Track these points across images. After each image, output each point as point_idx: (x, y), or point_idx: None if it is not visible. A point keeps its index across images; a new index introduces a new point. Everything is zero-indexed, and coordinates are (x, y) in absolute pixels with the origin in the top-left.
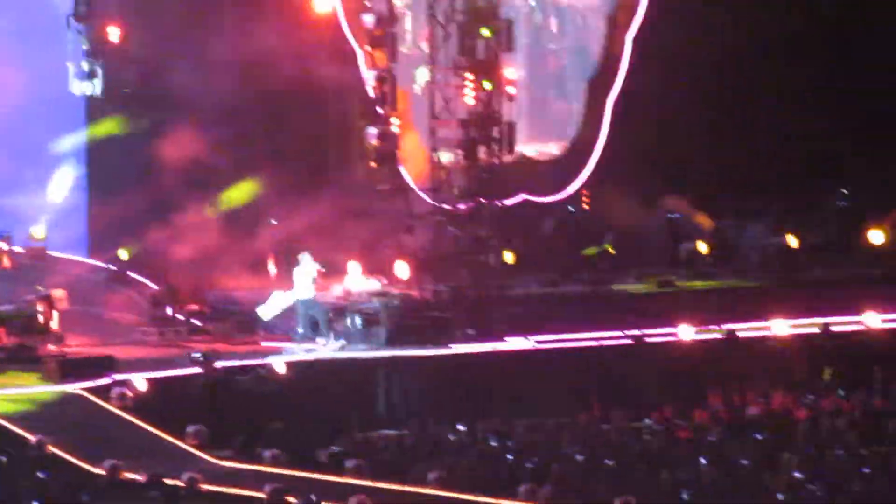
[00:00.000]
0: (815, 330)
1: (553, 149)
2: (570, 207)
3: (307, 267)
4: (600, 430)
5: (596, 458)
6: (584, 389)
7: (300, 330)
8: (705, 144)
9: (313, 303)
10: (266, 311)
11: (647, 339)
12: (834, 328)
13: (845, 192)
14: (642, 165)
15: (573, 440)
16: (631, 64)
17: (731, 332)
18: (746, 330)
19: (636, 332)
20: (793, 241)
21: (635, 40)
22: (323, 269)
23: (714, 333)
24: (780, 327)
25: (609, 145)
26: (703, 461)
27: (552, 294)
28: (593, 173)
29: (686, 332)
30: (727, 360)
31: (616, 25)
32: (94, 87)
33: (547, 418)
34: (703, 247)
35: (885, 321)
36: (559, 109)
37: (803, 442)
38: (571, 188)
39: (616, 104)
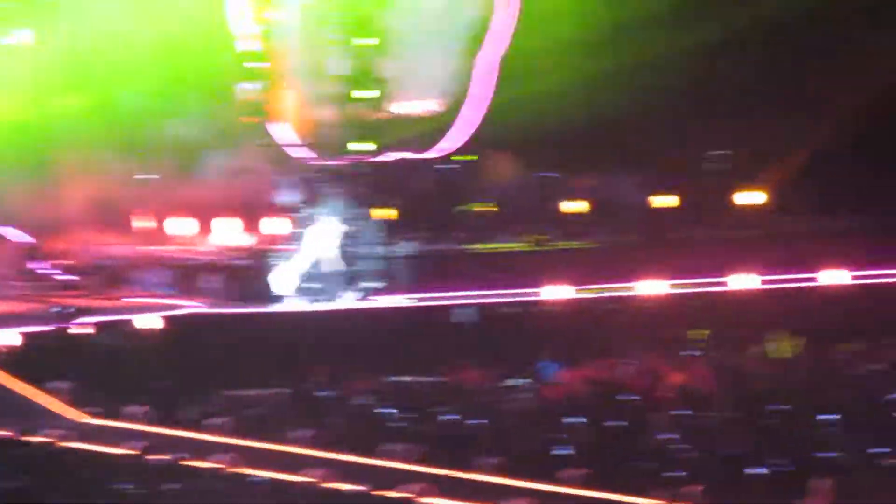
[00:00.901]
0: (687, 290)
1: (431, 106)
2: (446, 165)
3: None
4: (472, 388)
5: (467, 416)
6: (458, 348)
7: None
8: (573, 105)
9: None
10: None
11: (523, 299)
12: (707, 289)
13: (719, 154)
14: (520, 124)
15: (444, 399)
16: (508, 23)
17: (605, 291)
18: (619, 290)
19: (511, 290)
20: (667, 201)
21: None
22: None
23: (588, 293)
24: (655, 287)
25: (486, 103)
26: (573, 420)
27: (429, 252)
28: (471, 131)
29: (561, 292)
30: (602, 320)
31: None
32: None
33: (419, 377)
34: (578, 206)
35: (756, 282)
36: (437, 67)
37: (673, 402)
38: (448, 146)
39: (493, 62)
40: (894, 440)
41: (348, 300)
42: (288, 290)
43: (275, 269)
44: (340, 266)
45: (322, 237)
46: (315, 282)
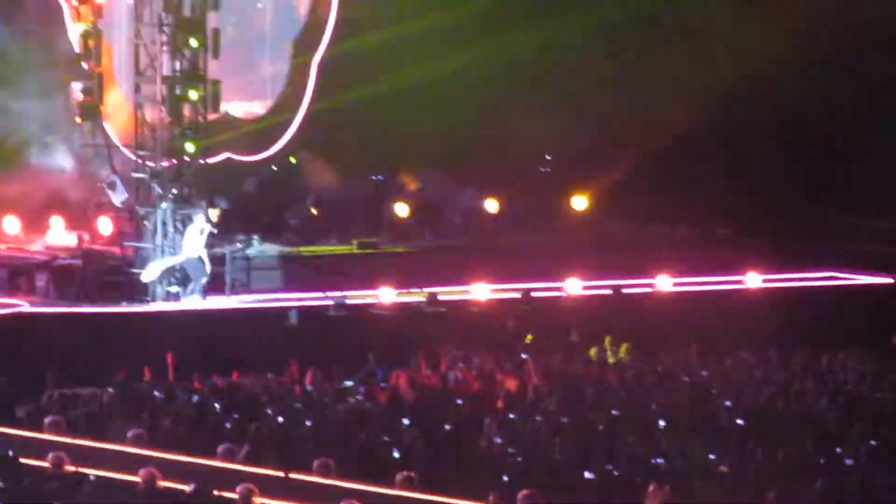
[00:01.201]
0: (517, 295)
1: (258, 108)
2: (273, 167)
3: (199, 224)
4: (301, 390)
5: (296, 418)
6: (286, 349)
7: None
8: (412, 109)
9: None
10: (149, 274)
11: (351, 302)
12: (535, 294)
13: (549, 157)
14: (348, 127)
15: (274, 400)
16: (337, 26)
17: (434, 295)
18: (448, 293)
19: (339, 293)
20: (495, 205)
21: (341, 2)
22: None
23: (416, 296)
24: (482, 291)
25: (314, 107)
26: (404, 423)
27: (254, 254)
28: (298, 134)
29: (388, 295)
30: (430, 324)
31: None
32: None
33: (250, 377)
34: (407, 208)
35: (585, 287)
36: (265, 69)
37: (505, 407)
38: (275, 148)
39: (321, 66)
40: (727, 446)
41: (178, 301)
42: (118, 289)
43: (103, 269)
44: (169, 266)
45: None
46: (145, 281)
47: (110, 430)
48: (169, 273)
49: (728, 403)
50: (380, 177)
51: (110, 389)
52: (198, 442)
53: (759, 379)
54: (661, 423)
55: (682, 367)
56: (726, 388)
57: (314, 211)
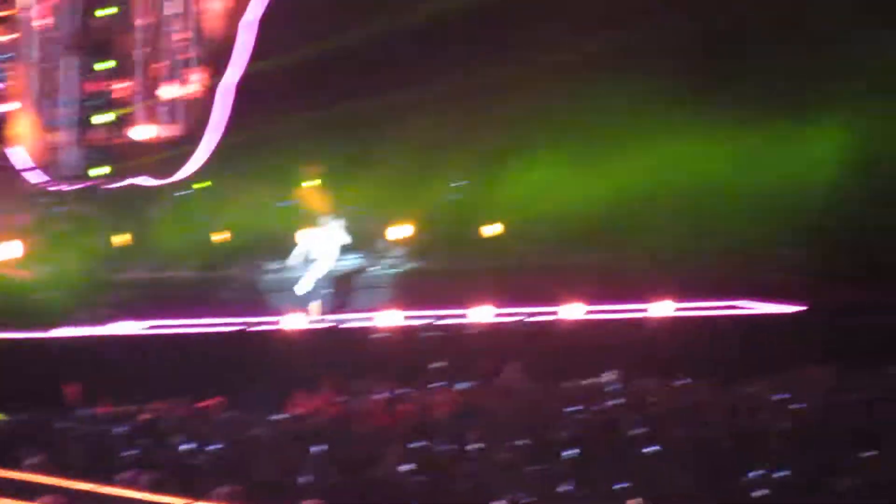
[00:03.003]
0: (425, 321)
1: (169, 131)
2: (181, 192)
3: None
4: (205, 417)
5: (201, 445)
6: (194, 376)
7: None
8: (314, 133)
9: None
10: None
11: (254, 328)
12: (443, 321)
13: (459, 184)
14: (257, 151)
15: (178, 426)
16: (246, 50)
17: (340, 322)
18: (353, 320)
19: (245, 319)
20: (397, 232)
21: (250, 27)
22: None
23: (321, 322)
24: (391, 318)
25: (224, 130)
26: (310, 449)
27: (162, 279)
28: (207, 158)
29: (294, 321)
30: (334, 351)
31: (232, 10)
32: None
33: (154, 404)
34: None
35: (494, 315)
36: (173, 92)
37: (409, 434)
38: (183, 172)
39: (231, 89)
40: (635, 475)
41: (83, 326)
42: (22, 313)
43: (7, 293)
44: (75, 291)
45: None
46: (50, 306)
47: (8, 457)
48: (322, 283)
49: (637, 431)
50: (293, 202)
51: (8, 416)
52: (100, 468)
53: (668, 408)
54: (569, 451)
55: (591, 395)
56: (636, 417)
57: (224, 236)
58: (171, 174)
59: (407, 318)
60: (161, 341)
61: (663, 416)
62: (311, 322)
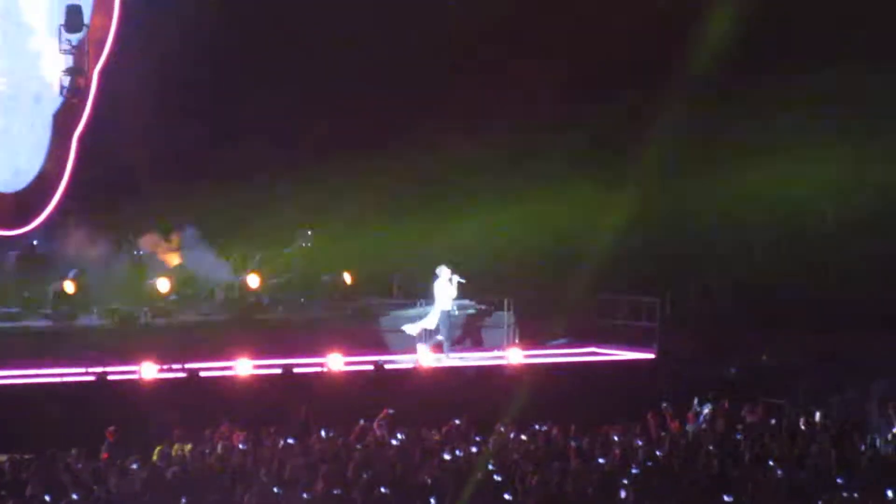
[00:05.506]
0: (278, 371)
1: (14, 182)
2: (33, 241)
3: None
4: (66, 466)
5: (61, 495)
6: (47, 425)
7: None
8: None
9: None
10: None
11: (110, 377)
12: (297, 370)
13: (309, 231)
14: (112, 200)
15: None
16: (98, 98)
17: (194, 371)
18: (209, 369)
19: (99, 368)
20: (254, 280)
21: (102, 74)
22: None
23: (176, 372)
24: (243, 367)
25: (76, 179)
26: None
27: (13, 328)
28: (58, 207)
29: (148, 370)
30: (190, 400)
31: (84, 59)
32: None
33: (30, 453)
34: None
35: (347, 363)
36: (23, 142)
37: (268, 482)
38: (35, 222)
39: (83, 138)
40: None
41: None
42: None
43: None
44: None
45: None
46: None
47: None
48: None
49: (497, 479)
50: (146, 251)
51: None
52: None
53: (524, 454)
54: (431, 500)
55: (449, 443)
56: (493, 464)
57: (75, 284)
58: (23, 224)
59: (260, 366)
60: (13, 391)
61: (518, 463)
62: (165, 370)
